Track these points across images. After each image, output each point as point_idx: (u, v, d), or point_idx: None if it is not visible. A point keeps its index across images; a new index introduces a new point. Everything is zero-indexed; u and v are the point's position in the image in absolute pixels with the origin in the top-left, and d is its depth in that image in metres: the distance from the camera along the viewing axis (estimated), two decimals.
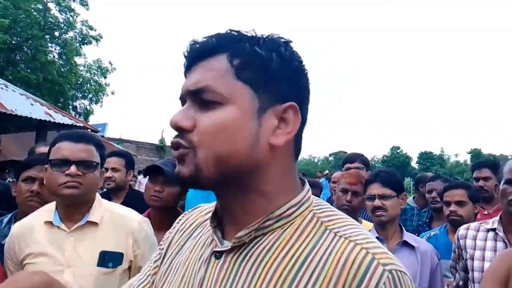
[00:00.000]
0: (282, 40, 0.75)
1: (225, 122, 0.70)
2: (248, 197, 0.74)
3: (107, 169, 3.26)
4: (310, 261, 0.69)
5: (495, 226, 2.08)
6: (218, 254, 0.75)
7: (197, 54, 0.74)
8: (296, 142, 0.77)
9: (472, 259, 2.09)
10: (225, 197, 0.76)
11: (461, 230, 2.21)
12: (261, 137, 0.72)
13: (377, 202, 2.29)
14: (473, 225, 2.21)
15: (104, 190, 3.51)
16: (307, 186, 0.79)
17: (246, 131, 0.71)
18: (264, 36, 0.74)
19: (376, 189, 2.33)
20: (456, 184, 2.92)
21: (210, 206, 0.88)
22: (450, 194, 2.82)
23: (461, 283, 2.22)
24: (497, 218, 2.11)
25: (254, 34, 0.74)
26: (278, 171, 0.74)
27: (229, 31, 0.75)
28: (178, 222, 0.94)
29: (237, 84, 0.71)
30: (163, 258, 0.90)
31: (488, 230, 2.10)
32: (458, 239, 2.20)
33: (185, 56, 0.76)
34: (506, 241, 2.02)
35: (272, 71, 0.72)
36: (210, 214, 0.82)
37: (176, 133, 0.73)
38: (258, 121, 0.71)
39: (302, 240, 0.72)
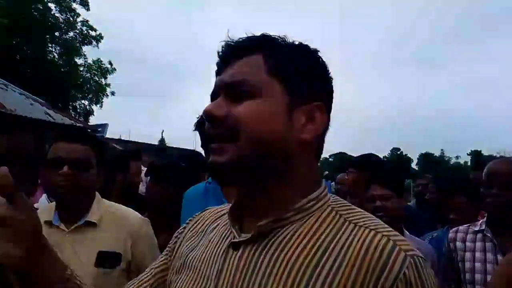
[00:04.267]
0: (311, 48, 0.81)
1: (260, 112, 0.74)
2: (275, 189, 0.76)
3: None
4: (331, 250, 0.70)
5: (483, 227, 2.11)
6: (236, 246, 0.76)
7: (234, 52, 0.79)
8: (319, 143, 0.81)
9: (463, 260, 2.12)
10: (250, 189, 0.78)
11: (451, 234, 2.24)
12: (292, 131, 0.76)
13: (377, 203, 2.28)
14: (462, 228, 2.23)
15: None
16: (324, 183, 0.82)
17: (278, 123, 0.75)
18: (295, 42, 0.81)
19: (376, 190, 2.32)
20: (456, 191, 2.84)
21: (222, 206, 0.91)
22: (452, 201, 2.79)
23: (453, 286, 2.23)
24: (484, 219, 2.15)
25: (286, 39, 0.80)
26: (303, 166, 0.78)
27: (263, 35, 0.80)
28: (188, 223, 0.96)
29: (271, 80, 0.76)
30: (174, 255, 0.91)
31: (476, 232, 2.13)
32: (448, 243, 2.22)
33: (219, 55, 0.81)
34: (495, 241, 2.05)
35: (303, 72, 0.78)
36: (223, 212, 0.86)
37: (210, 124, 0.77)
38: (289, 116, 0.76)
39: (322, 230, 0.74)
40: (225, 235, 0.81)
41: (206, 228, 0.89)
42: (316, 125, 0.78)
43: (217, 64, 0.81)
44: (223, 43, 0.81)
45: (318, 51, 0.82)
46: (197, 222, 0.93)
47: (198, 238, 0.89)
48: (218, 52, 0.81)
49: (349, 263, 0.68)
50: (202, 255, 0.83)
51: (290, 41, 0.81)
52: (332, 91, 0.83)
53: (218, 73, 0.81)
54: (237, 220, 0.81)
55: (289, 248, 0.72)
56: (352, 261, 0.68)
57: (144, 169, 3.53)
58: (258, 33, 0.81)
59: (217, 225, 0.87)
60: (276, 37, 0.80)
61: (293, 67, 0.77)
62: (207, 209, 0.96)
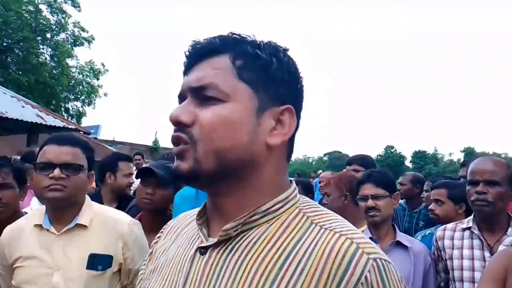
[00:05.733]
0: (281, 47, 0.79)
1: (226, 118, 0.72)
2: (242, 193, 0.75)
3: (131, 174, 3.22)
4: (296, 253, 0.70)
5: (470, 225, 2.13)
6: (203, 250, 0.75)
7: (200, 53, 0.76)
8: (290, 144, 0.79)
9: (451, 258, 2.13)
10: (218, 193, 0.77)
11: (439, 232, 2.26)
12: (259, 136, 0.74)
13: (370, 202, 2.29)
14: (449, 225, 2.25)
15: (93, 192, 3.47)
16: (294, 184, 0.81)
17: (245, 128, 0.73)
18: (264, 41, 0.78)
19: (369, 189, 2.33)
20: (438, 184, 2.95)
21: (194, 210, 0.89)
22: (432, 192, 2.90)
23: (442, 284, 2.26)
24: (471, 217, 2.16)
25: (254, 38, 0.77)
26: (272, 170, 0.77)
27: (230, 34, 0.77)
28: (162, 231, 0.94)
29: (238, 83, 0.74)
30: (148, 264, 0.90)
31: (464, 229, 2.15)
32: (436, 241, 2.24)
33: (186, 55, 0.78)
34: (482, 238, 2.07)
35: (271, 74, 0.75)
36: (194, 217, 0.83)
37: (175, 128, 0.75)
38: (257, 120, 0.74)
39: (288, 233, 0.73)
40: (193, 240, 0.80)
41: (178, 232, 0.88)
42: (285, 129, 0.76)
43: (184, 64, 0.79)
44: (190, 43, 0.78)
45: (288, 49, 0.79)
46: (171, 228, 0.91)
47: (170, 242, 0.87)
48: (184, 52, 0.78)
49: (312, 266, 0.67)
50: (171, 260, 0.81)
51: (258, 40, 0.78)
52: (302, 91, 0.81)
53: (185, 73, 0.79)
54: (205, 224, 0.80)
55: (254, 252, 0.71)
56: (315, 264, 0.67)
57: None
58: (230, 32, 0.78)
59: (188, 229, 0.86)
60: (244, 36, 0.77)
61: (261, 69, 0.75)
62: (182, 214, 0.94)
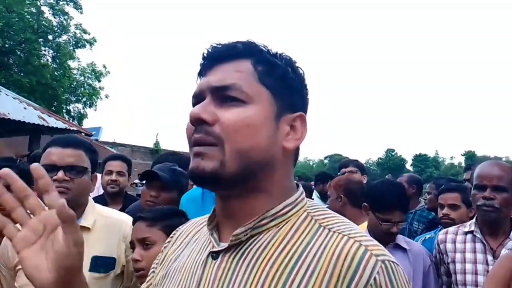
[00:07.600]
0: (293, 59, 0.83)
1: (249, 119, 0.74)
2: (253, 196, 0.77)
3: (111, 172, 3.28)
4: (305, 256, 0.71)
5: (473, 228, 2.12)
6: (215, 255, 0.77)
7: (222, 56, 0.78)
8: (297, 150, 0.82)
9: (454, 262, 2.13)
10: (229, 196, 0.78)
11: (440, 235, 2.24)
12: (277, 139, 0.77)
13: (394, 229, 2.24)
14: (451, 229, 2.24)
15: (101, 194, 3.48)
16: (301, 188, 0.83)
17: (266, 131, 0.75)
18: (278, 52, 0.82)
19: (396, 217, 2.24)
20: (450, 188, 2.92)
21: (204, 217, 0.90)
22: (444, 197, 2.85)
23: (444, 287, 2.24)
24: (474, 220, 2.15)
25: (269, 48, 0.81)
26: (283, 174, 0.79)
27: (249, 41, 0.81)
28: (172, 236, 0.95)
29: (260, 87, 0.77)
30: (159, 269, 0.90)
31: (466, 233, 2.15)
32: (438, 244, 2.23)
33: (204, 56, 0.80)
34: (484, 241, 2.07)
35: (288, 83, 0.79)
36: (205, 223, 0.85)
37: (194, 127, 0.75)
38: (276, 125, 0.77)
39: (297, 237, 0.74)
40: (205, 245, 0.81)
41: (189, 238, 0.90)
42: (298, 134, 0.80)
43: (202, 65, 0.81)
44: (209, 45, 0.80)
45: (296, 61, 0.83)
46: (182, 234, 0.93)
47: (181, 249, 0.89)
48: (203, 53, 0.80)
49: (322, 269, 0.69)
50: (183, 265, 0.83)
51: (272, 50, 0.81)
52: (308, 101, 0.85)
53: (202, 74, 0.81)
54: (216, 228, 0.82)
55: (265, 256, 0.73)
56: (324, 267, 0.69)
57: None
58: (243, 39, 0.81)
59: (199, 235, 0.87)
60: (261, 44, 0.81)
61: (280, 77, 0.78)
62: (191, 220, 0.96)
